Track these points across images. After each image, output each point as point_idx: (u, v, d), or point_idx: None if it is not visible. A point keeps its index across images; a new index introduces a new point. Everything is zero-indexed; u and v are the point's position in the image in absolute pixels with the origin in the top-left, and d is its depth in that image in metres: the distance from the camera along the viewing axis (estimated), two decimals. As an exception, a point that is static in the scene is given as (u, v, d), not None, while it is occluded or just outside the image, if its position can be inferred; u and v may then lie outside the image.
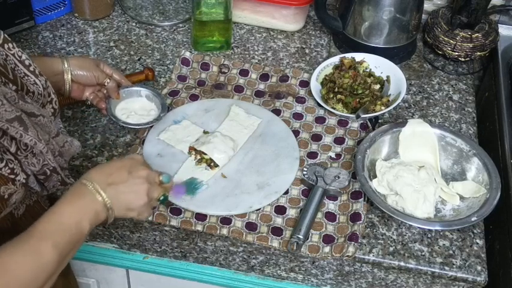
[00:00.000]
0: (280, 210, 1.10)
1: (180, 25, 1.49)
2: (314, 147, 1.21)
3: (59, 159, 0.92)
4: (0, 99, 0.79)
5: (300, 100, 1.30)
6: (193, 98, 1.29)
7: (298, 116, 1.27)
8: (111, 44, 1.42)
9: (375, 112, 1.24)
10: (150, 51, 1.41)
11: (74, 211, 0.84)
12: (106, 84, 1.16)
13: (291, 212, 1.10)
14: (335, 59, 1.36)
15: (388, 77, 1.32)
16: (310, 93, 1.30)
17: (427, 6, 1.47)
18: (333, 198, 1.12)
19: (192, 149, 1.17)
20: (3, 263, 0.75)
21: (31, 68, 0.90)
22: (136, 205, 0.92)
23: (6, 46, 0.87)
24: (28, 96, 0.89)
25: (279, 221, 1.09)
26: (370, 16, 1.36)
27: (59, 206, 0.84)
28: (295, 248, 1.04)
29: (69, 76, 1.10)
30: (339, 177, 1.13)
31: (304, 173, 1.14)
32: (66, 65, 1.10)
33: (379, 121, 1.26)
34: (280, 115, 1.26)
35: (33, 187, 0.89)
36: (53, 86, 0.99)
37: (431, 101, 1.33)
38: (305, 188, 1.14)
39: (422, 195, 1.09)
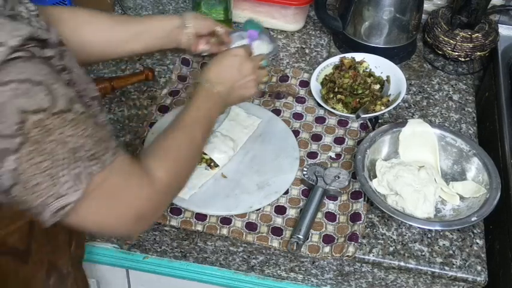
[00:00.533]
0: (280, 210, 1.10)
1: (180, 25, 1.49)
2: (314, 147, 1.21)
3: None
4: (89, 78, 0.84)
5: (300, 100, 1.30)
6: (193, 98, 1.29)
7: (298, 116, 1.27)
8: (111, 44, 1.42)
9: (375, 112, 1.24)
10: (150, 51, 1.41)
11: (205, 106, 0.98)
12: (218, 31, 1.18)
13: (291, 212, 1.10)
14: (335, 59, 1.36)
15: (388, 77, 1.32)
16: (310, 93, 1.30)
17: (427, 6, 1.47)
18: (333, 198, 1.12)
19: (192, 149, 1.17)
20: (174, 144, 0.90)
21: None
22: (248, 96, 1.07)
23: (61, 48, 0.88)
24: None
25: (279, 221, 1.09)
26: (370, 16, 1.36)
27: (194, 104, 0.97)
28: (295, 248, 1.04)
29: (191, 30, 1.14)
30: (339, 177, 1.13)
31: (304, 173, 1.14)
32: (186, 19, 1.13)
33: (379, 121, 1.26)
34: (280, 115, 1.26)
35: None
36: (167, 42, 1.14)
37: (431, 101, 1.33)
38: (305, 188, 1.14)
39: (423, 195, 1.09)
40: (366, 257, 1.05)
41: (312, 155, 1.19)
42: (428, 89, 1.36)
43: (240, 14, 1.47)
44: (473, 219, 1.06)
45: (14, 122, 0.67)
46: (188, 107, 0.97)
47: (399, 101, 1.25)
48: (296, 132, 1.23)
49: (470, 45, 1.37)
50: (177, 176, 0.89)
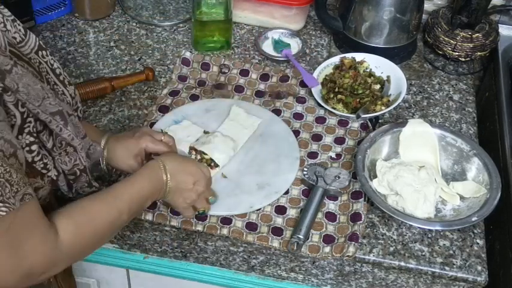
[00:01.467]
0: (280, 210, 1.10)
1: (181, 25, 1.49)
2: (314, 147, 1.21)
3: (88, 161, 0.94)
4: (46, 92, 0.82)
5: (300, 100, 1.30)
6: (194, 98, 1.29)
7: (298, 116, 1.27)
8: (112, 44, 1.42)
9: (375, 112, 1.24)
10: (150, 51, 1.41)
11: (149, 188, 0.95)
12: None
13: (291, 212, 1.10)
14: (335, 59, 1.36)
15: (388, 77, 1.32)
16: (310, 93, 1.30)
17: (428, 6, 1.47)
18: (333, 198, 1.12)
19: (192, 149, 1.17)
20: (93, 212, 0.87)
21: (61, 78, 0.90)
22: (179, 207, 1.02)
23: (40, 53, 0.87)
24: None
25: (279, 221, 1.09)
26: (371, 16, 1.36)
27: (140, 180, 0.94)
28: (295, 248, 1.04)
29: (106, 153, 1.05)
30: (339, 177, 1.13)
31: (305, 173, 1.14)
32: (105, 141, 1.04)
33: (380, 121, 1.26)
34: (280, 115, 1.26)
35: (61, 186, 0.91)
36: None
37: (431, 101, 1.33)
38: (305, 188, 1.14)
39: (423, 195, 1.09)
40: (366, 257, 1.05)
41: (312, 155, 1.19)
42: (428, 89, 1.36)
43: (240, 14, 1.47)
44: (473, 219, 1.06)
45: None
46: (129, 180, 0.94)
47: (399, 101, 1.25)
48: (296, 132, 1.23)
49: (471, 45, 1.37)
50: (83, 243, 0.85)
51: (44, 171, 0.84)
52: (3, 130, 0.72)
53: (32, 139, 0.80)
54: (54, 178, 0.87)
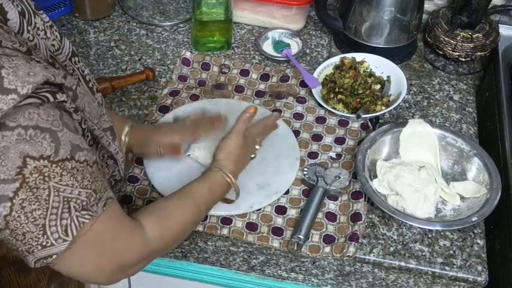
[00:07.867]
0: (280, 210, 1.10)
1: (181, 25, 1.49)
2: (314, 147, 1.21)
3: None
4: (102, 108, 0.84)
5: (301, 100, 1.30)
6: (194, 98, 1.29)
7: (298, 116, 1.27)
8: (112, 44, 1.42)
9: (376, 112, 1.24)
10: (150, 51, 1.41)
11: (211, 184, 1.00)
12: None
13: (292, 212, 1.10)
14: (335, 59, 1.36)
15: (388, 77, 1.32)
16: (310, 93, 1.30)
17: (428, 6, 1.47)
18: (334, 198, 1.12)
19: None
20: (171, 206, 0.92)
21: (90, 85, 0.89)
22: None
23: (73, 60, 0.86)
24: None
25: (279, 221, 1.09)
26: (371, 16, 1.36)
27: (201, 180, 1.00)
28: (295, 248, 1.04)
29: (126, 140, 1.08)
30: (339, 177, 1.13)
31: (305, 173, 1.14)
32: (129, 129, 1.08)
33: (380, 121, 1.26)
34: (280, 115, 1.26)
35: None
36: None
37: (431, 101, 1.33)
38: (305, 188, 1.14)
39: (423, 195, 1.09)
40: (367, 257, 1.05)
41: (313, 155, 1.19)
42: (428, 89, 1.36)
43: (240, 14, 1.47)
44: (473, 219, 1.06)
45: (15, 166, 0.66)
46: (195, 182, 0.99)
47: (400, 101, 1.25)
48: (296, 132, 1.23)
49: (471, 45, 1.37)
50: (169, 234, 0.90)
51: None
52: (82, 142, 0.74)
53: None
54: None
